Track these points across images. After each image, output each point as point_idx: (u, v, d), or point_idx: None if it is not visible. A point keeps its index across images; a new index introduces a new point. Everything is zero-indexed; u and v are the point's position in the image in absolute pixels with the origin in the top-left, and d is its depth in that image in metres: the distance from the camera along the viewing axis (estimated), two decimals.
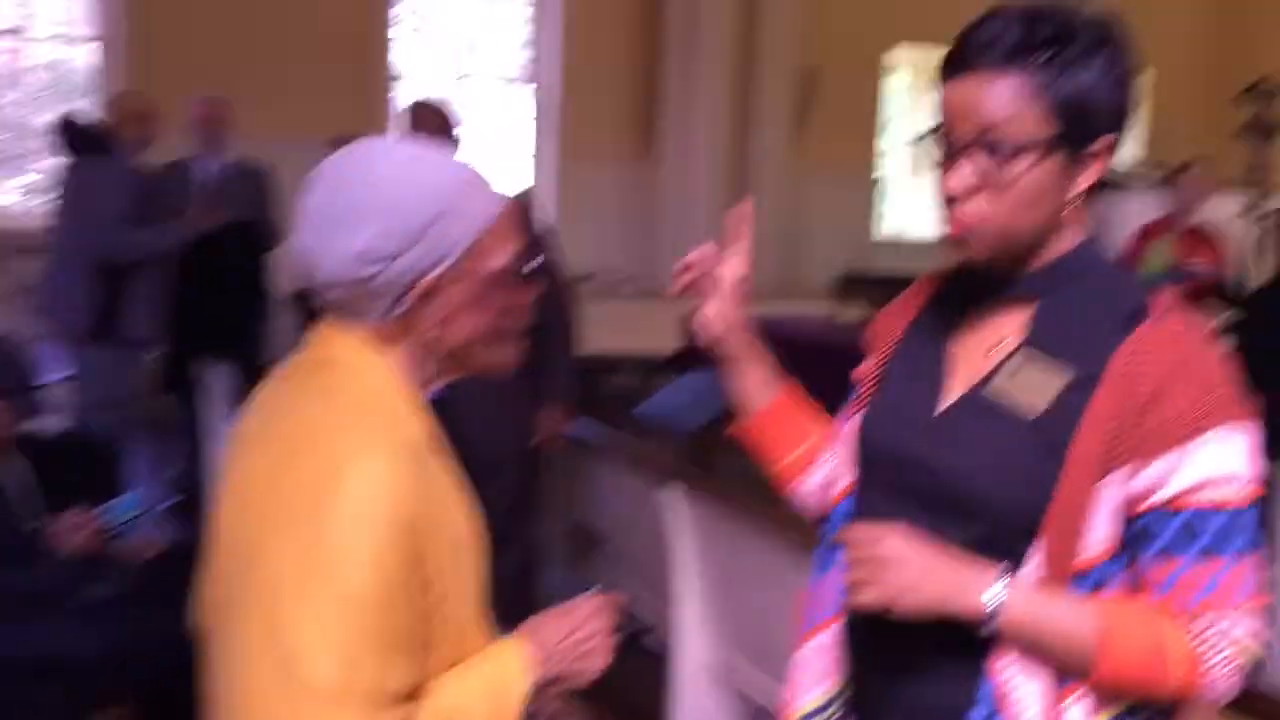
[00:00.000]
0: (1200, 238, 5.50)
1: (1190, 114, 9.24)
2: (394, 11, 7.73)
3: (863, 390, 1.44)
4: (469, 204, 1.18)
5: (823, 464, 1.51)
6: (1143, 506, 1.19)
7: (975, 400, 1.28)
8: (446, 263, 1.17)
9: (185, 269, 4.80)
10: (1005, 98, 1.19)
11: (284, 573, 1.06)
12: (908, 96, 9.53)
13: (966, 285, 1.34)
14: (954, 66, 1.23)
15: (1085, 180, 1.24)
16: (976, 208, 1.23)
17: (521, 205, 3.29)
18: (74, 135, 4.64)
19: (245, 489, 1.15)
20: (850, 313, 5.65)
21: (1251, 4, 9.57)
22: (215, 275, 4.91)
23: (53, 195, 4.75)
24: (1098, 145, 1.23)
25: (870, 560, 1.20)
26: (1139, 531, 1.21)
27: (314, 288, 1.19)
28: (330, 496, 1.07)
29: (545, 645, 1.24)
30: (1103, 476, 1.18)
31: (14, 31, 7.04)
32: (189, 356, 4.86)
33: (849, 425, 1.43)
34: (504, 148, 8.15)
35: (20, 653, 2.62)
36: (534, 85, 8.31)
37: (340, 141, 4.53)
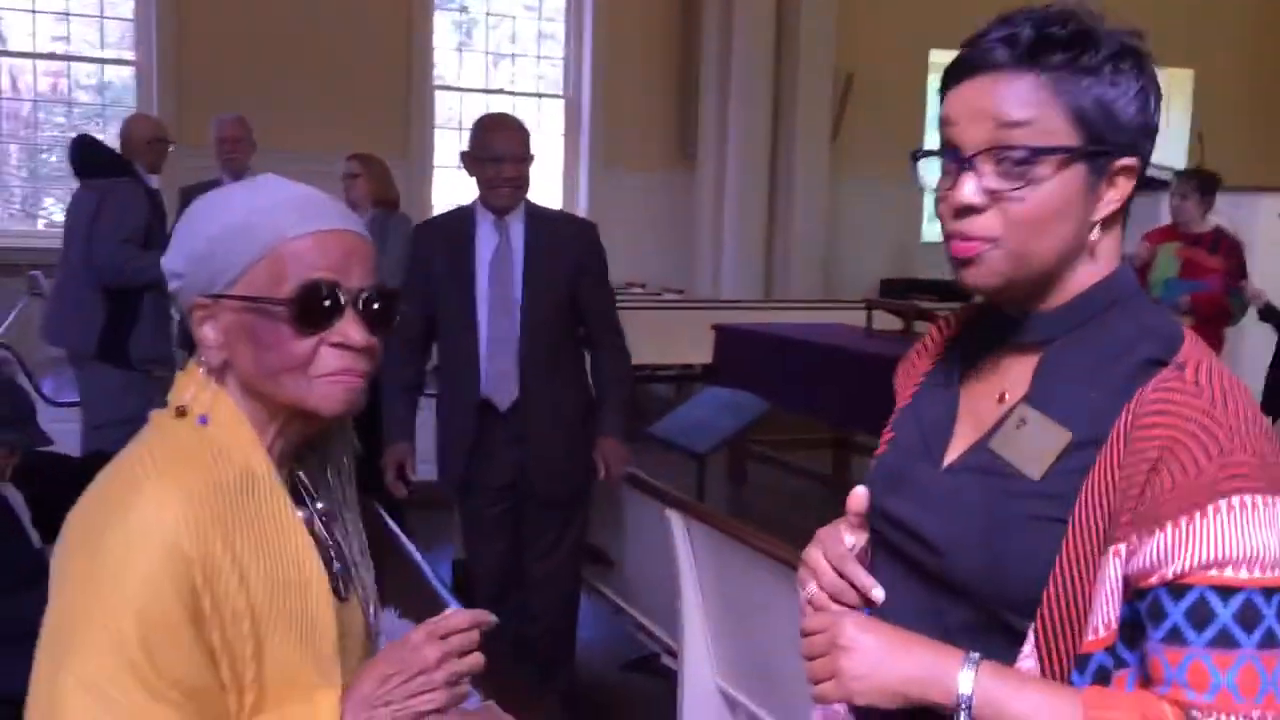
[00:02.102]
0: (1210, 246, 5.21)
1: (1234, 116, 9.00)
2: (433, 24, 7.77)
3: (879, 447, 1.29)
4: (260, 230, 1.12)
5: None
6: (1148, 583, 1.00)
7: (975, 458, 1.13)
8: (218, 286, 1.13)
9: None
10: (1023, 98, 1.04)
11: (62, 606, 1.08)
12: None
13: (985, 325, 1.19)
14: (963, 68, 1.08)
15: (1107, 206, 1.08)
16: (986, 225, 1.07)
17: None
18: (87, 157, 4.68)
19: (66, 528, 1.16)
20: (887, 321, 5.55)
21: None
22: None
23: (66, 217, 4.78)
24: (1118, 166, 1.07)
25: (827, 651, 1.10)
26: (1147, 611, 1.02)
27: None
28: (112, 528, 1.08)
29: (363, 694, 1.17)
30: (1105, 551, 1.02)
31: (57, 56, 7.18)
32: None
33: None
34: (541, 159, 8.18)
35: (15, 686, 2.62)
36: (567, 94, 8.31)
37: (359, 158, 4.49)
